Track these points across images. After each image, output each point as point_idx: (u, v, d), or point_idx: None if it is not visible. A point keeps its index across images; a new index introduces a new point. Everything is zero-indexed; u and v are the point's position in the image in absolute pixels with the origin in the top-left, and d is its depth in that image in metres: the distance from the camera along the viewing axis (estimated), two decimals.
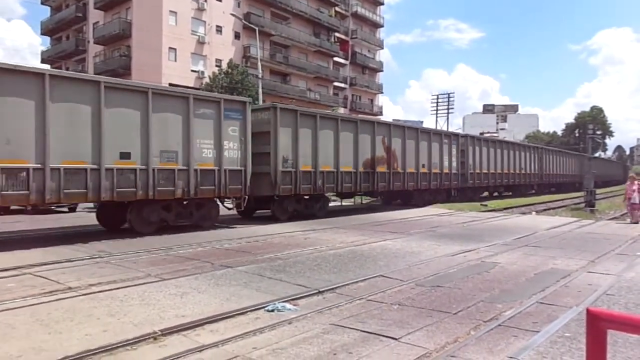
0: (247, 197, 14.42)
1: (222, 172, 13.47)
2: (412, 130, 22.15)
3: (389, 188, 20.08)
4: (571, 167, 44.42)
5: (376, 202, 25.02)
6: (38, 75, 10.32)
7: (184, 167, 12.64)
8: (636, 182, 16.48)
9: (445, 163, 23.87)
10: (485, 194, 31.00)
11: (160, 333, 4.74)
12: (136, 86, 12.64)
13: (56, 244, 10.40)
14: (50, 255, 9.01)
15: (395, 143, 20.37)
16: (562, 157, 43.01)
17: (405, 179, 20.85)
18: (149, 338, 4.63)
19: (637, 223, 15.41)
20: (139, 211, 12.31)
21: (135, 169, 11.63)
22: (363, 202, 22.96)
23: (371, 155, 18.93)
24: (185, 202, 13.33)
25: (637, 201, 15.84)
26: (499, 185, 30.70)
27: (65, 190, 10.50)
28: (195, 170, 12.83)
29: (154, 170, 11.95)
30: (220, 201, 14.70)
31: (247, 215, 16.24)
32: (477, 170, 26.99)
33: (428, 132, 23.73)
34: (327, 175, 16.84)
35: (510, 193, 33.07)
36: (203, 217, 13.78)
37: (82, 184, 10.79)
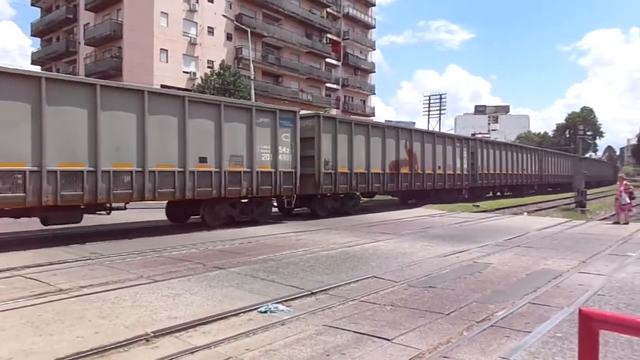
0: (295, 195, 15.98)
1: (277, 174, 15.15)
2: (429, 135, 24.20)
3: (410, 188, 21.83)
4: (566, 168, 45.25)
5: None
6: (139, 91, 12.01)
7: (248, 170, 14.32)
8: (625, 182, 16.63)
9: (458, 165, 25.72)
10: (490, 193, 32.03)
11: (152, 335, 4.72)
12: (211, 100, 14.56)
13: (47, 245, 10.31)
14: (41, 256, 8.92)
15: (416, 147, 22.09)
16: (558, 159, 44.32)
17: (424, 179, 22.63)
18: (141, 340, 4.60)
19: (627, 224, 15.53)
20: (210, 208, 13.94)
21: (210, 172, 13.34)
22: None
23: (396, 158, 20.61)
24: (246, 200, 14.84)
25: (628, 201, 15.96)
26: (504, 185, 32.22)
27: (159, 190, 12.15)
28: (257, 172, 14.53)
29: (225, 172, 13.64)
30: None
31: (287, 212, 18.04)
32: (485, 171, 28.69)
33: (443, 137, 25.98)
34: (360, 176, 18.56)
35: (511, 193, 33.84)
36: (261, 214, 15.43)
37: (171, 184, 12.45)
